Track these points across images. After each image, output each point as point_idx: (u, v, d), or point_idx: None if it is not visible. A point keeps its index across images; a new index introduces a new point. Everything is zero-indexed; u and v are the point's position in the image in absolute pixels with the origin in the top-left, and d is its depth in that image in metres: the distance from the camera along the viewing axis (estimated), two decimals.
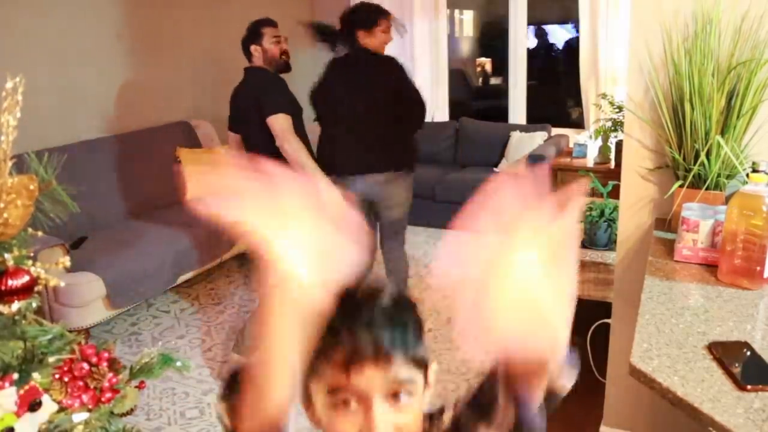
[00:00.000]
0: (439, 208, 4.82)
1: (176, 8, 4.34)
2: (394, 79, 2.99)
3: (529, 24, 5.17)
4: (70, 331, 1.18)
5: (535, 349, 0.70)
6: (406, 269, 3.20)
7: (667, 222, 1.94)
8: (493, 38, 5.74)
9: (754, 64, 1.74)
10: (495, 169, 4.93)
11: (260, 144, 2.86)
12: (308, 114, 3.02)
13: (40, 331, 0.98)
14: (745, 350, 1.20)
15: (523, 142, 4.79)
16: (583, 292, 3.06)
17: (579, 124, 5.14)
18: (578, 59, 4.86)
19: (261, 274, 0.64)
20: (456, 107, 5.66)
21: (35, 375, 0.95)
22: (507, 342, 0.71)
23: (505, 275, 0.66)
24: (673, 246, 1.70)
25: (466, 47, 6.13)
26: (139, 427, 2.36)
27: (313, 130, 3.06)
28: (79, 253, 3.06)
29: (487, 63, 5.99)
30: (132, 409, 1.08)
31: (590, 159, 4.58)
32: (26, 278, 0.96)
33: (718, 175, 1.81)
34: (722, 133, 1.79)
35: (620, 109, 4.25)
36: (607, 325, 2.29)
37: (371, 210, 3.02)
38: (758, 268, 1.46)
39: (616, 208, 3.01)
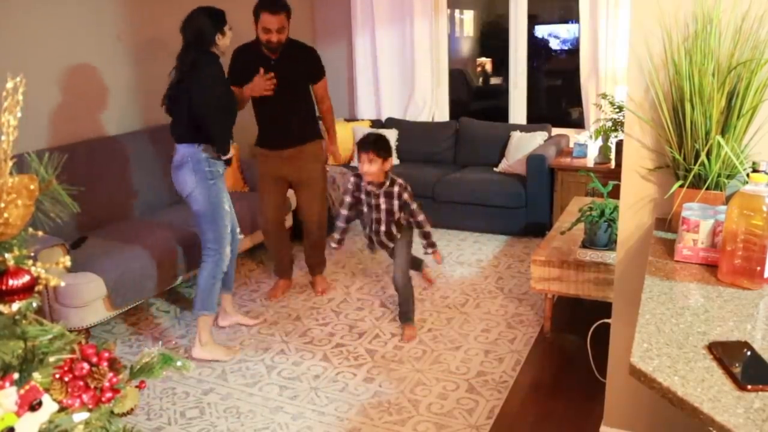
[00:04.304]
0: (439, 208, 4.82)
1: (176, 8, 4.34)
2: None
3: (529, 24, 5.17)
4: (71, 331, 1.18)
5: None
6: None
7: (667, 222, 1.94)
8: (493, 38, 5.74)
9: (754, 64, 1.74)
10: (495, 169, 4.93)
11: None
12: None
13: (40, 331, 0.98)
14: (745, 350, 1.20)
15: (523, 142, 4.79)
16: (583, 291, 3.07)
17: (579, 124, 5.14)
18: (578, 59, 4.86)
19: None
20: (456, 107, 5.66)
21: (35, 375, 0.95)
22: None
23: None
24: (674, 246, 1.70)
25: (466, 47, 6.13)
26: (139, 427, 2.36)
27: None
28: (79, 253, 3.06)
29: (487, 63, 5.99)
30: (132, 409, 1.08)
31: (590, 159, 4.58)
32: (27, 278, 0.96)
33: (719, 175, 1.81)
34: (722, 133, 1.79)
35: (620, 109, 4.25)
36: (608, 325, 2.29)
37: None
38: (758, 268, 1.46)
39: (616, 208, 3.01)
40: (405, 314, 3.28)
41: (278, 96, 3.40)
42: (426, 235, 3.17)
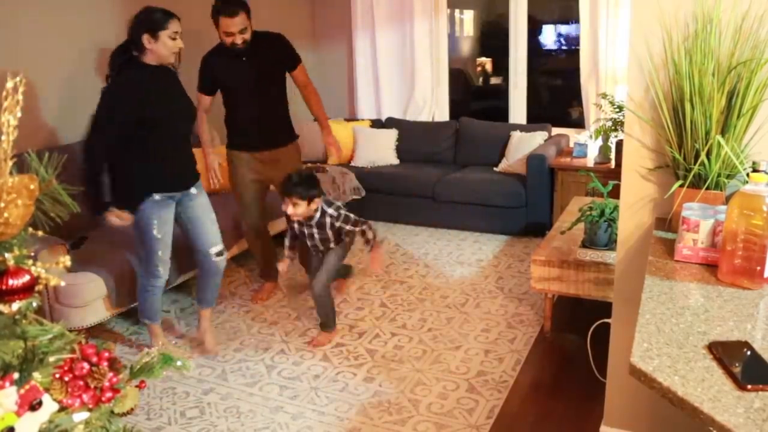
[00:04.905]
0: (439, 208, 4.83)
1: (176, 8, 4.34)
2: None
3: (529, 24, 5.17)
4: (71, 331, 1.18)
5: None
6: None
7: (667, 222, 1.94)
8: (493, 38, 5.74)
9: (754, 64, 1.74)
10: (495, 168, 4.93)
11: None
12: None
13: (40, 331, 0.98)
14: (745, 350, 1.20)
15: (523, 142, 4.79)
16: (583, 291, 3.07)
17: (579, 123, 5.14)
18: (578, 59, 4.86)
19: None
20: (456, 107, 5.66)
21: (36, 374, 0.95)
22: None
23: None
24: (674, 246, 1.70)
25: (466, 47, 6.13)
26: (139, 426, 2.36)
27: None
28: (79, 253, 3.06)
29: (487, 63, 5.99)
30: (132, 409, 1.08)
31: (590, 159, 4.58)
32: (27, 278, 0.96)
33: (719, 175, 1.81)
34: (722, 133, 1.79)
35: (620, 108, 4.25)
36: (608, 325, 2.29)
37: None
38: (758, 268, 1.46)
39: (616, 208, 3.01)
40: (323, 324, 3.24)
41: (255, 92, 3.35)
42: (366, 241, 3.19)
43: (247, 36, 3.23)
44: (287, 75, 3.51)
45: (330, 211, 3.09)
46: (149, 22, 2.65)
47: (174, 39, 2.69)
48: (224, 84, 3.40)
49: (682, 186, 1.83)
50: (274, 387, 2.84)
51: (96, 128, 2.70)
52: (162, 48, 2.67)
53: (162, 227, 2.87)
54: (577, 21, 4.84)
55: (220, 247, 3.05)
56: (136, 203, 2.78)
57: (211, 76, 3.40)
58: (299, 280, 4.01)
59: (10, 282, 0.95)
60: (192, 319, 3.53)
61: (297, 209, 2.96)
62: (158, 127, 2.75)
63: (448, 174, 4.91)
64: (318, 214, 3.07)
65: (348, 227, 3.13)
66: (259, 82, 3.35)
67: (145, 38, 2.65)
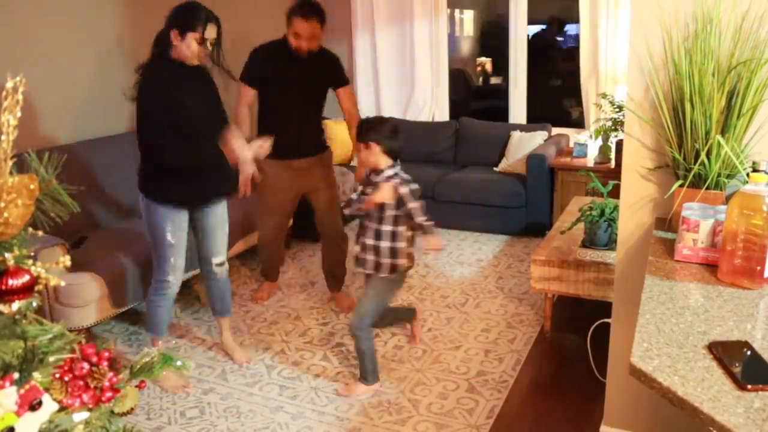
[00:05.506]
0: (439, 208, 4.82)
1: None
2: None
3: (529, 23, 5.17)
4: (71, 331, 1.18)
5: None
6: None
7: (667, 222, 1.94)
8: (493, 38, 5.74)
9: (754, 64, 1.74)
10: (495, 168, 4.93)
11: None
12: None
13: (40, 331, 0.98)
14: (745, 350, 1.20)
15: (523, 142, 4.79)
16: (583, 291, 3.07)
17: (579, 123, 5.14)
18: (578, 59, 4.86)
19: None
20: (456, 107, 5.66)
21: (35, 374, 0.95)
22: None
23: None
24: (674, 245, 1.70)
25: (466, 47, 6.13)
26: (139, 426, 2.36)
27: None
28: (79, 253, 3.06)
29: (487, 63, 5.99)
30: (132, 409, 1.08)
31: (590, 159, 4.59)
32: (27, 278, 0.96)
33: (719, 175, 1.81)
34: (722, 133, 1.79)
35: (620, 108, 4.25)
36: (608, 325, 2.29)
37: None
38: (758, 268, 1.46)
39: (616, 208, 3.01)
40: (361, 374, 2.75)
41: (300, 97, 3.30)
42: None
43: (315, 45, 3.22)
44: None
45: (392, 172, 2.73)
46: (182, 17, 2.52)
47: (200, 44, 2.53)
48: (271, 81, 3.28)
49: (682, 186, 1.83)
50: (274, 387, 2.84)
51: (143, 123, 2.69)
52: (185, 49, 2.53)
53: (176, 232, 2.72)
54: (577, 21, 4.84)
55: (221, 258, 2.93)
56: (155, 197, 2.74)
57: (261, 68, 3.28)
58: (300, 280, 4.01)
59: (10, 282, 0.95)
60: (192, 319, 3.53)
61: (360, 154, 2.75)
62: (179, 131, 2.63)
63: (448, 174, 4.91)
64: (385, 173, 2.70)
65: (411, 205, 2.60)
66: (306, 88, 3.30)
67: (173, 33, 2.52)
